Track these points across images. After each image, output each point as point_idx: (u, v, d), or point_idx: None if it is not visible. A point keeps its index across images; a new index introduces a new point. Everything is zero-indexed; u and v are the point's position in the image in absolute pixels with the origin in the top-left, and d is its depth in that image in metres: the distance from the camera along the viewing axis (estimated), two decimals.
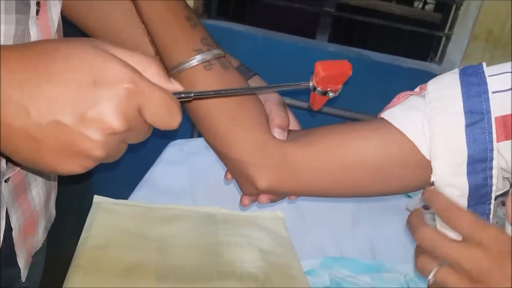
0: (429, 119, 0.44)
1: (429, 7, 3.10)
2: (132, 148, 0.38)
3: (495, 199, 0.44)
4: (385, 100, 0.51)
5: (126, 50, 0.34)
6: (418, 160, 0.46)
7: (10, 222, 0.53)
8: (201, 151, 1.09)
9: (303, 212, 0.94)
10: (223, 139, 0.50)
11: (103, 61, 0.32)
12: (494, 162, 0.42)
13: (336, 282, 0.76)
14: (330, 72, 0.45)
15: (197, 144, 1.14)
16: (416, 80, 0.51)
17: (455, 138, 0.43)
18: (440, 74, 0.48)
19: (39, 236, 0.61)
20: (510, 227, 0.44)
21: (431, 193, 0.42)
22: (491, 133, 0.42)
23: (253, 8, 2.92)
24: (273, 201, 0.55)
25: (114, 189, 0.92)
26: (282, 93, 0.58)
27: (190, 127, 1.34)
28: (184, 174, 1.01)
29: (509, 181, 0.45)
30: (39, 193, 0.58)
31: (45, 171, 0.34)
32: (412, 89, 0.49)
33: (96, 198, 0.76)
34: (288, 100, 1.20)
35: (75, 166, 0.33)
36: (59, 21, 0.53)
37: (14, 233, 0.54)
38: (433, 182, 0.44)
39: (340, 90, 0.47)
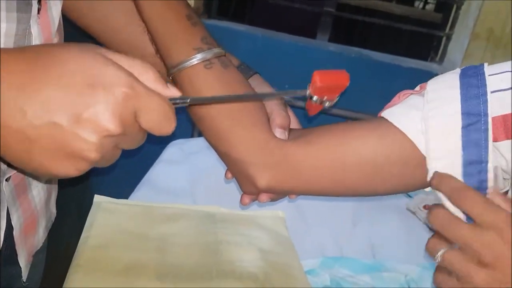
0: (426, 119, 0.44)
1: (430, 7, 3.10)
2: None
3: None
4: (386, 100, 0.51)
5: (124, 55, 0.35)
6: (418, 159, 0.46)
7: (11, 221, 0.53)
8: (201, 151, 1.09)
9: (304, 211, 0.94)
10: (223, 138, 0.50)
11: (101, 65, 0.33)
12: (489, 165, 0.42)
13: (336, 282, 0.76)
14: (327, 82, 0.45)
15: (197, 143, 1.15)
16: (416, 80, 0.51)
17: (451, 139, 0.43)
18: (440, 74, 0.48)
19: (40, 235, 0.61)
20: None
21: (441, 176, 0.41)
22: (487, 136, 0.42)
23: (254, 8, 2.92)
24: (273, 200, 0.55)
25: (115, 188, 0.93)
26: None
27: (190, 127, 1.34)
28: (184, 174, 1.01)
29: (509, 181, 0.45)
30: (40, 192, 0.58)
31: (39, 173, 0.34)
32: (412, 89, 0.49)
33: (97, 198, 0.76)
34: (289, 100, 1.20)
35: (69, 168, 0.33)
36: (59, 20, 0.53)
37: (15, 232, 0.54)
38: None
39: (336, 100, 0.47)
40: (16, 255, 0.56)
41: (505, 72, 0.43)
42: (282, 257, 0.70)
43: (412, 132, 0.46)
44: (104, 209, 0.73)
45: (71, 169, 0.33)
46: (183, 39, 0.51)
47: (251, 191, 0.53)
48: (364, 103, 1.19)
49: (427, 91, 0.46)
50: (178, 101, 0.37)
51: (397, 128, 0.46)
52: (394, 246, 0.89)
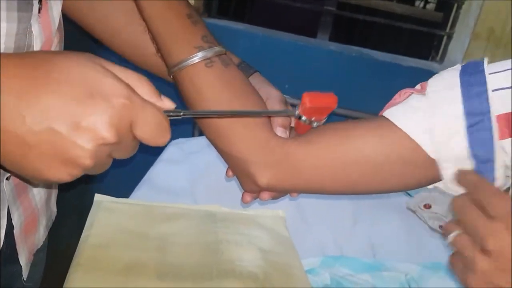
0: (430, 120, 0.44)
1: (431, 6, 3.09)
2: None
3: None
4: (386, 99, 0.51)
5: (120, 67, 0.36)
6: (419, 158, 0.46)
7: (11, 220, 0.53)
8: (202, 150, 1.09)
9: (304, 210, 0.94)
10: (224, 136, 0.50)
11: (100, 75, 0.33)
12: (497, 163, 0.42)
13: (336, 281, 0.76)
14: (316, 104, 0.47)
15: (198, 143, 1.15)
16: (417, 79, 0.51)
17: (458, 140, 0.43)
18: None
19: (40, 234, 0.61)
20: None
21: (463, 173, 0.43)
22: (492, 133, 0.42)
23: (254, 7, 2.92)
24: (274, 198, 0.55)
25: (115, 188, 0.93)
26: (284, 92, 0.59)
27: (190, 126, 1.34)
28: (184, 173, 1.01)
29: (509, 178, 0.45)
30: (40, 191, 0.58)
31: (33, 178, 0.35)
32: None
33: (97, 197, 0.76)
34: (290, 99, 1.20)
35: (62, 174, 0.34)
36: (60, 20, 0.53)
37: (16, 231, 0.54)
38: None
39: (324, 120, 0.50)
40: (17, 254, 0.56)
41: (507, 70, 0.43)
42: (282, 257, 0.70)
43: (414, 132, 0.46)
44: (104, 208, 0.73)
45: (64, 175, 0.34)
46: (183, 37, 0.51)
47: (252, 189, 0.53)
48: (365, 102, 1.19)
49: (428, 91, 0.46)
50: (171, 113, 0.38)
51: (398, 128, 0.46)
52: (395, 245, 0.89)
